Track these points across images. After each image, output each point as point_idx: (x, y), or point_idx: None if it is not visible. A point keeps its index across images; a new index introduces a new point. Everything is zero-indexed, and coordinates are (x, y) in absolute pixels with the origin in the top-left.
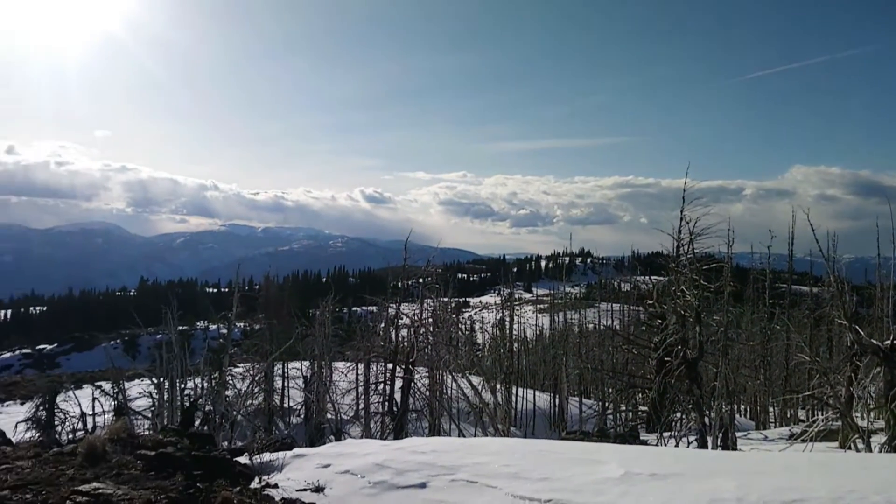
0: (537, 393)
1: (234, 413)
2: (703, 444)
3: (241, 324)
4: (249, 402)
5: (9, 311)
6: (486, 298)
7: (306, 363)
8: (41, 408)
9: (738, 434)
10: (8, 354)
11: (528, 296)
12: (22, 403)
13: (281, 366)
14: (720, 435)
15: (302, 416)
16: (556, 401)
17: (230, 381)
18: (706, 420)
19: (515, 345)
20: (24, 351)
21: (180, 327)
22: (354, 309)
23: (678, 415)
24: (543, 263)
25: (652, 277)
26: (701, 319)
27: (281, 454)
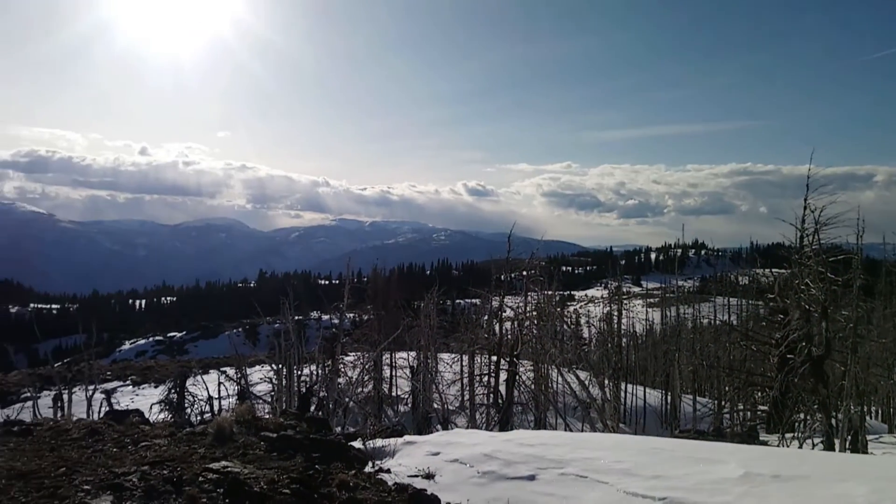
0: (648, 390)
1: (346, 399)
2: (829, 447)
3: (351, 314)
4: (360, 389)
5: (143, 301)
6: (591, 292)
7: (412, 353)
8: (173, 391)
9: (868, 437)
10: (143, 341)
11: (636, 289)
12: (156, 386)
13: (389, 355)
14: (849, 437)
15: (409, 405)
16: (668, 398)
17: (342, 369)
18: (833, 421)
19: (624, 340)
20: (157, 338)
21: (296, 317)
22: (458, 301)
23: (801, 415)
24: (653, 256)
25: (773, 270)
26: (827, 314)
27: (392, 441)
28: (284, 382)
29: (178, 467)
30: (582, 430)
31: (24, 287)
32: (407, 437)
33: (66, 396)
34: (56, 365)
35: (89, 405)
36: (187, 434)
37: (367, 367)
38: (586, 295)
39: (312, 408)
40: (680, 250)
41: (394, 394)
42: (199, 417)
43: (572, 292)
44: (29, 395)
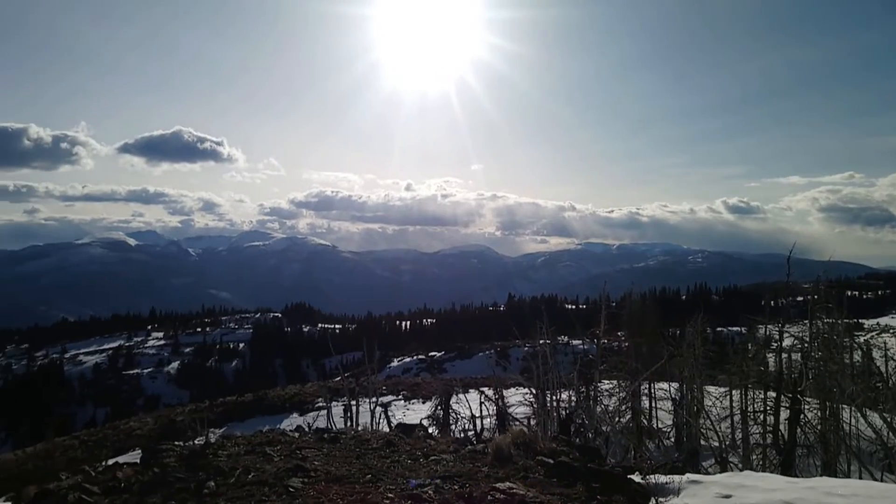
0: None
1: (606, 429)
2: None
3: (604, 341)
4: (618, 419)
5: (408, 322)
6: (885, 320)
7: (674, 385)
8: (439, 407)
9: None
10: (408, 359)
11: None
12: (423, 402)
13: (648, 385)
14: None
15: (672, 439)
16: None
17: (599, 397)
18: None
19: None
20: (420, 356)
21: (547, 341)
22: (719, 329)
23: None
24: None
25: None
26: None
27: (676, 478)
28: (541, 407)
29: (467, 483)
30: (882, 480)
31: (313, 309)
32: (690, 476)
33: (353, 408)
34: (339, 378)
35: (372, 416)
36: (469, 452)
37: (626, 395)
38: (878, 323)
39: (571, 434)
40: None
41: (654, 426)
42: (462, 434)
43: (860, 320)
44: (322, 404)
